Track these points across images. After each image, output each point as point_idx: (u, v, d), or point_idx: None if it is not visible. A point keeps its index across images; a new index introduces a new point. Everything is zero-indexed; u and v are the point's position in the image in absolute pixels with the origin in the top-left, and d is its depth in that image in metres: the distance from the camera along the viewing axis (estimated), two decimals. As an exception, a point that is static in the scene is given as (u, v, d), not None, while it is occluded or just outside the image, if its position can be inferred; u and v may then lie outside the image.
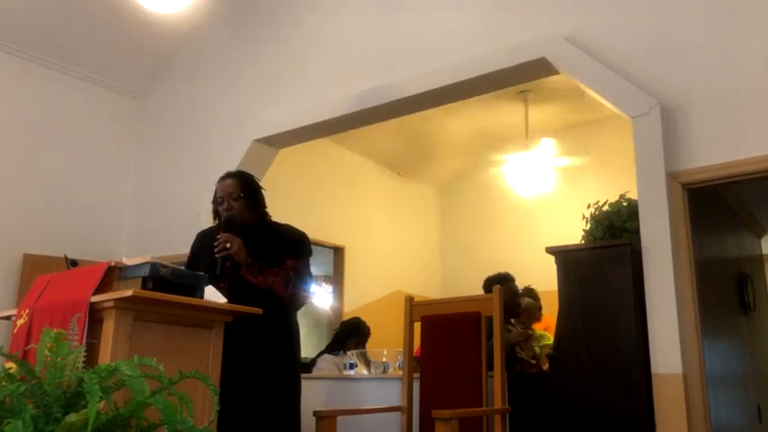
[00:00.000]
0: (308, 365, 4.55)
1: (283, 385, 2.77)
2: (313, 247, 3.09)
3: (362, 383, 3.87)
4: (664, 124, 3.08)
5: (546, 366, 3.66)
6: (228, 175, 3.01)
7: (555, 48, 3.49)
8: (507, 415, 2.98)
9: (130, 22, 5.01)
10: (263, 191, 3.04)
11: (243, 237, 2.78)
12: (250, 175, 3.10)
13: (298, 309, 2.96)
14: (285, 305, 2.81)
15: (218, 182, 2.99)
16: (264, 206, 3.02)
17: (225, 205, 2.89)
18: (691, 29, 3.16)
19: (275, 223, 3.02)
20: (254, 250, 2.78)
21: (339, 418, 2.95)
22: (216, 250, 2.69)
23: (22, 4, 4.79)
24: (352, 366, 4.15)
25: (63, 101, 5.33)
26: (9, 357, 1.63)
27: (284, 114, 4.61)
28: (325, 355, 4.66)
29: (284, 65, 4.79)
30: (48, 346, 1.52)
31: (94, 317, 2.11)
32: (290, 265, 2.81)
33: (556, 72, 3.61)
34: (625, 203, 3.32)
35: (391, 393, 3.48)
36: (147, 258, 2.22)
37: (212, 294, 2.48)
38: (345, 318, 5.63)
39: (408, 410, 3.21)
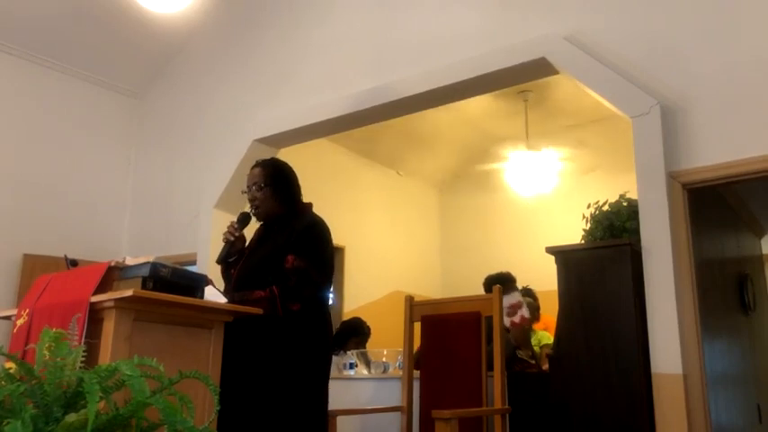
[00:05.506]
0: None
1: (281, 386, 2.60)
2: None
3: (362, 383, 3.87)
4: (664, 124, 3.08)
5: (546, 366, 3.66)
6: (257, 163, 2.92)
7: (555, 48, 3.49)
8: (507, 415, 2.98)
9: (130, 21, 5.01)
10: (295, 178, 2.91)
11: (263, 228, 2.87)
12: (281, 162, 2.97)
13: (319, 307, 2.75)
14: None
15: (249, 170, 2.92)
16: (296, 194, 2.89)
17: (249, 195, 2.85)
18: (691, 29, 3.16)
19: (300, 214, 2.85)
20: (262, 245, 2.80)
21: (339, 418, 2.95)
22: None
23: (23, 4, 4.79)
24: (352, 366, 4.15)
25: (63, 101, 5.33)
26: (9, 357, 1.63)
27: (284, 114, 4.61)
28: (326, 355, 4.65)
29: (284, 64, 4.78)
30: (47, 346, 1.52)
31: (94, 317, 2.11)
32: (290, 261, 2.62)
33: (556, 72, 3.61)
34: (625, 203, 3.31)
35: (391, 393, 3.48)
36: (150, 258, 2.22)
37: (212, 294, 2.49)
38: (345, 318, 5.62)
39: (408, 410, 3.21)
